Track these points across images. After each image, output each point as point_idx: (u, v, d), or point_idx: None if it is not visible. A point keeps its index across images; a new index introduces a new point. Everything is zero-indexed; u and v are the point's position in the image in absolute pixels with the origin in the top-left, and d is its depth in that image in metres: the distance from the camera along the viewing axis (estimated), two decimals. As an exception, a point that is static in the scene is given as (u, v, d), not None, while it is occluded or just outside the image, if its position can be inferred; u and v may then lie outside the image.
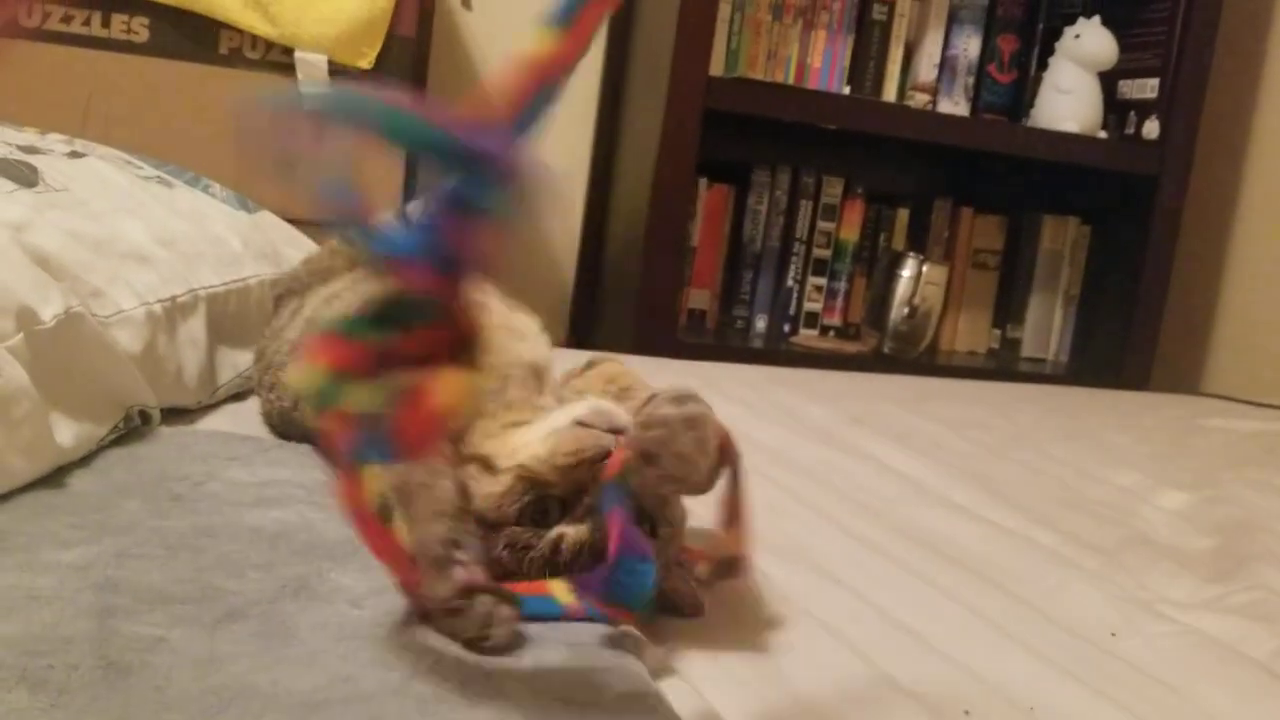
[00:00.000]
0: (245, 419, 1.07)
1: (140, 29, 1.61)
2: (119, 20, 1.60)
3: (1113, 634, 0.80)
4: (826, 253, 2.39)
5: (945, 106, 2.35)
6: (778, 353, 2.24)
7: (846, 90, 2.28)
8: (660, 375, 0.86)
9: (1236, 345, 2.42)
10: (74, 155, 1.14)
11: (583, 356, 0.94)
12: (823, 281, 2.39)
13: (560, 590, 0.64)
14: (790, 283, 2.37)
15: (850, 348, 2.31)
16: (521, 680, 0.58)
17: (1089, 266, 2.47)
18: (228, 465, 0.87)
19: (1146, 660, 0.75)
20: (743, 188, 2.33)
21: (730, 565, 0.71)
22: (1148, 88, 2.27)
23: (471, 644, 0.59)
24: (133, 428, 0.92)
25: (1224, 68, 2.29)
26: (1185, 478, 1.29)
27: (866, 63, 2.29)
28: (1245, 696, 0.73)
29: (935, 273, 2.31)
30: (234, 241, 1.22)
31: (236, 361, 1.17)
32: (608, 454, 0.65)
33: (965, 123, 2.34)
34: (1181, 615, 0.84)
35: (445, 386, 0.49)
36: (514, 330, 0.85)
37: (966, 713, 0.64)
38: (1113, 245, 2.40)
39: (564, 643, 0.63)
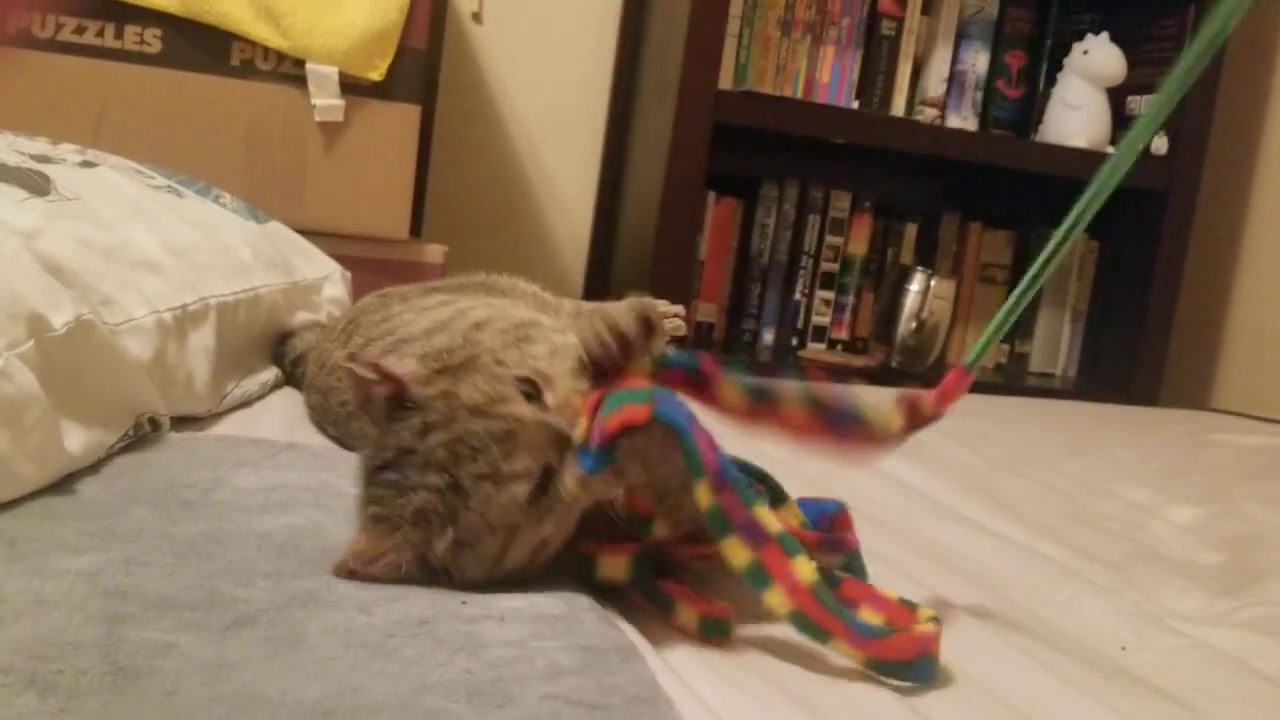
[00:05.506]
0: (253, 424, 1.07)
1: (153, 40, 1.62)
2: (131, 31, 1.61)
3: (1123, 648, 0.79)
4: (834, 266, 2.39)
5: (954, 121, 2.35)
6: (786, 366, 2.24)
7: (855, 105, 2.28)
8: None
9: (1246, 360, 2.41)
10: (86, 165, 1.14)
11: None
12: (831, 295, 2.39)
13: None
14: (798, 296, 2.37)
15: (858, 361, 2.31)
16: (531, 685, 0.58)
17: (1097, 281, 2.47)
18: (236, 471, 0.87)
19: (1157, 675, 0.75)
20: (751, 201, 2.33)
21: None
22: (1156, 103, 2.27)
23: None
24: (142, 435, 0.93)
25: (1232, 84, 2.29)
26: (1194, 493, 1.29)
27: (875, 77, 2.30)
28: (1256, 712, 0.72)
29: (943, 287, 2.31)
30: (244, 251, 1.22)
31: (246, 371, 1.17)
32: None
33: (973, 138, 2.34)
34: (1192, 630, 0.84)
35: None
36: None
37: (976, 725, 0.64)
38: (1121, 260, 2.40)
39: (575, 647, 0.63)
